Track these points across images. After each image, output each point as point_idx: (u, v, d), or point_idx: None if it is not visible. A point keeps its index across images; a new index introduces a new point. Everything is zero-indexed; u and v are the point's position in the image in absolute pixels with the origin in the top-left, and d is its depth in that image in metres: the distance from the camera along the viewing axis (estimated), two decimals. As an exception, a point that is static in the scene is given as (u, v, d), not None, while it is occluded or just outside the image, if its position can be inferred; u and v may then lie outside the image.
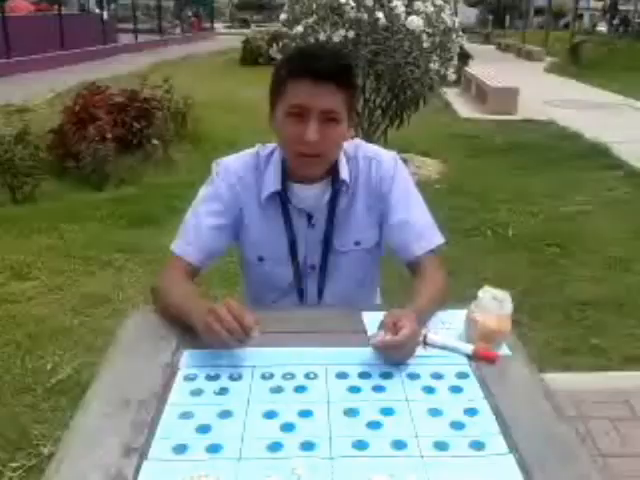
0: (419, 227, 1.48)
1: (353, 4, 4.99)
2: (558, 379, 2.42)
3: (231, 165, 1.50)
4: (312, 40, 5.08)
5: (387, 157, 1.52)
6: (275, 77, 1.40)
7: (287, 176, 1.46)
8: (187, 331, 1.26)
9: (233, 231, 1.50)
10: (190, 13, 29.77)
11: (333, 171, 1.46)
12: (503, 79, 10.35)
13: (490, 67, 12.63)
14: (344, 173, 1.46)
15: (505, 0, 41.00)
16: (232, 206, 1.47)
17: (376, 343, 1.16)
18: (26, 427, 2.32)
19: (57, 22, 15.23)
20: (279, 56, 5.80)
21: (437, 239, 1.50)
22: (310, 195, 1.47)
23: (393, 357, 1.18)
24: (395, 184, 1.49)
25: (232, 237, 1.51)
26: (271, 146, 1.51)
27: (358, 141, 1.54)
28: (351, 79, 1.40)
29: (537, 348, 2.80)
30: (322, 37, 5.03)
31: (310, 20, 5.13)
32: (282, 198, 1.47)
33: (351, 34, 5.01)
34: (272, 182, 1.46)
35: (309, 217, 1.49)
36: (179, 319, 1.30)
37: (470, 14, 40.08)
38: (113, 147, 5.31)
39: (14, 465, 2.14)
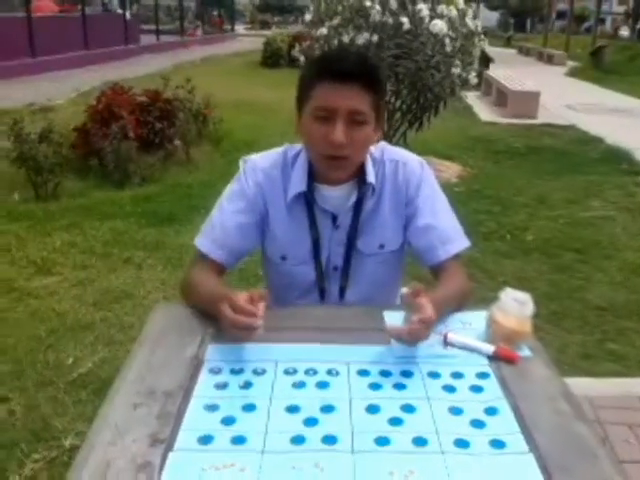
0: (445, 231, 1.49)
1: (379, 8, 5.00)
2: (576, 384, 2.39)
3: (258, 163, 1.50)
4: (335, 42, 5.10)
5: (414, 161, 1.53)
6: (301, 81, 1.41)
7: (313, 177, 1.46)
8: (212, 326, 1.29)
9: (259, 229, 1.51)
10: (215, 12, 30.02)
11: (359, 173, 1.46)
12: (524, 83, 10.30)
13: (511, 71, 12.56)
14: (371, 176, 1.47)
15: (527, 4, 40.75)
16: (258, 204, 1.48)
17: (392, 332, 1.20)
18: (47, 419, 2.36)
19: (80, 22, 15.38)
20: (302, 57, 5.83)
21: (463, 243, 1.51)
22: (336, 196, 1.47)
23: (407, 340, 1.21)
24: (422, 188, 1.50)
25: (259, 235, 1.52)
26: (298, 146, 1.51)
27: (384, 144, 1.55)
28: (377, 80, 1.40)
29: (555, 353, 2.79)
30: (346, 39, 5.05)
31: (334, 22, 5.14)
32: (308, 199, 1.47)
33: (375, 38, 5.02)
34: (298, 182, 1.46)
35: (334, 218, 1.49)
36: (208, 313, 1.33)
37: (491, 17, 39.96)
38: (135, 146, 5.36)
39: (36, 457, 2.17)
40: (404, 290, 1.17)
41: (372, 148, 1.48)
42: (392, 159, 1.51)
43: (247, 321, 1.14)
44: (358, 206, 1.48)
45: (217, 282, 1.42)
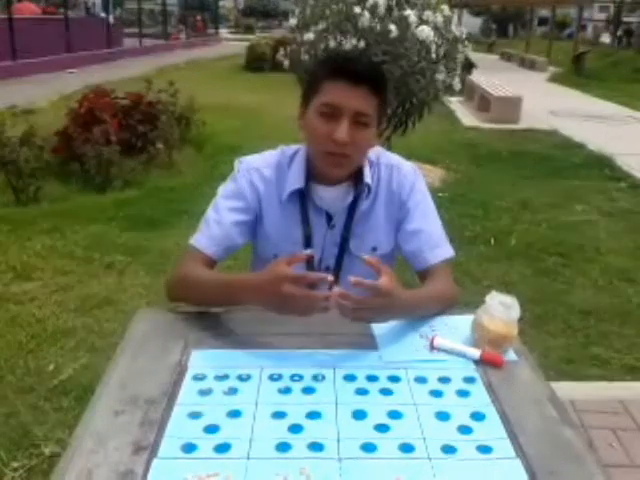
0: (434, 237, 1.51)
1: (369, 16, 5.00)
2: (559, 388, 2.41)
3: (253, 163, 1.52)
4: (322, 47, 5.09)
5: (408, 167, 1.56)
6: (311, 76, 1.44)
7: (310, 176, 1.48)
8: (196, 331, 1.28)
9: (253, 228, 1.52)
10: (199, 17, 29.97)
11: (357, 175, 1.48)
12: (506, 88, 10.38)
13: (493, 76, 12.67)
14: (368, 177, 1.49)
15: (509, 10, 41.18)
16: (253, 203, 1.49)
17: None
18: (28, 427, 2.32)
19: (63, 25, 15.28)
20: (286, 62, 5.82)
21: (449, 251, 1.54)
22: (332, 196, 1.49)
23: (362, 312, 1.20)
24: (414, 193, 1.52)
25: (252, 233, 1.53)
26: (295, 147, 1.53)
27: (379, 149, 1.57)
28: (384, 86, 1.43)
29: (539, 357, 2.80)
30: (332, 44, 5.04)
31: (319, 27, 5.13)
32: (303, 196, 1.48)
33: (362, 44, 5.02)
34: (296, 180, 1.47)
35: (329, 218, 1.51)
36: (214, 302, 1.34)
37: (474, 23, 40.30)
38: (117, 150, 5.32)
39: (15, 465, 2.14)
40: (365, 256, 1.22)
41: (369, 152, 1.50)
42: (388, 163, 1.54)
43: (320, 295, 1.16)
44: (353, 206, 1.50)
45: (218, 272, 1.42)
